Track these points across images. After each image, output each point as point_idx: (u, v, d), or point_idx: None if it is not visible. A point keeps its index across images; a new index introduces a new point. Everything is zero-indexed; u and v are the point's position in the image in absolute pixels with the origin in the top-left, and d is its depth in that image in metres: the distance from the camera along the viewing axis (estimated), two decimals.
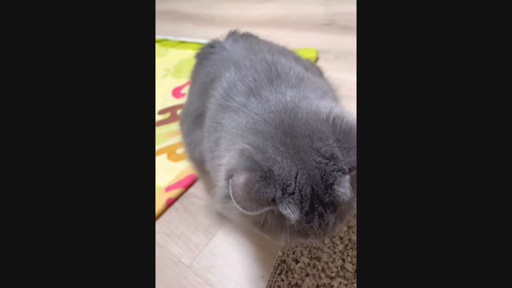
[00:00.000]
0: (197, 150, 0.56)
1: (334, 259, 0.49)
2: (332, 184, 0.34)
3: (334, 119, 0.38)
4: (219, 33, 0.72)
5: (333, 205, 0.35)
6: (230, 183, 0.34)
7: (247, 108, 0.41)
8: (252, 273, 0.63)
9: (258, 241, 0.68)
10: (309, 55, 1.15)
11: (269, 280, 0.51)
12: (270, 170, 0.34)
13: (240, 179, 0.33)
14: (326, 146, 0.36)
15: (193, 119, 0.57)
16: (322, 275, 0.49)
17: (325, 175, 0.35)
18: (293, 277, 0.50)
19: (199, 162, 0.59)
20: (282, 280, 0.51)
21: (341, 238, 0.51)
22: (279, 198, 0.34)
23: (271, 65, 0.46)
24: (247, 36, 0.67)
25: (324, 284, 0.48)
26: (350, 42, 1.25)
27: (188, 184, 0.79)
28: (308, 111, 0.39)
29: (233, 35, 0.66)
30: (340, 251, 0.50)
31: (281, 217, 0.35)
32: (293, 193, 0.34)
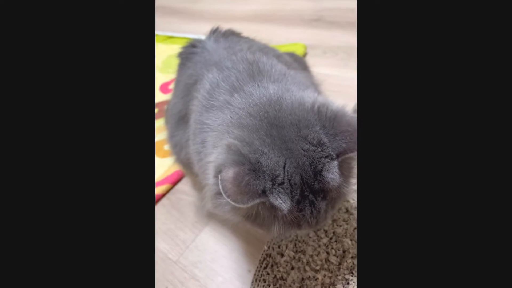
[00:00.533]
0: (183, 152, 0.56)
1: (318, 252, 0.50)
2: (321, 170, 0.35)
3: (318, 107, 0.38)
4: (207, 28, 0.71)
5: (323, 192, 0.36)
6: (220, 178, 0.33)
7: (231, 105, 0.42)
8: (239, 267, 0.63)
9: (245, 235, 0.69)
10: (297, 50, 1.15)
11: (255, 274, 0.52)
12: (258, 162, 0.34)
13: (229, 173, 0.33)
14: (313, 133, 0.36)
15: (176, 120, 0.58)
16: (307, 268, 0.50)
17: (313, 162, 0.35)
18: (279, 271, 0.51)
19: (185, 164, 0.59)
20: (268, 273, 0.51)
21: (325, 231, 0.52)
22: (269, 189, 0.34)
23: (253, 63, 0.46)
24: (229, 34, 0.67)
25: (309, 277, 0.49)
26: (338, 38, 1.25)
27: (175, 180, 0.78)
28: (292, 102, 0.39)
29: (215, 33, 0.66)
30: (325, 244, 0.50)
31: (273, 208, 0.35)
32: (282, 183, 0.34)
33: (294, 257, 0.51)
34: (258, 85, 0.43)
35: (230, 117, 0.40)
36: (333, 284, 0.47)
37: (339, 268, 0.48)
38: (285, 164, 0.35)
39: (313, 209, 0.36)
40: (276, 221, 0.36)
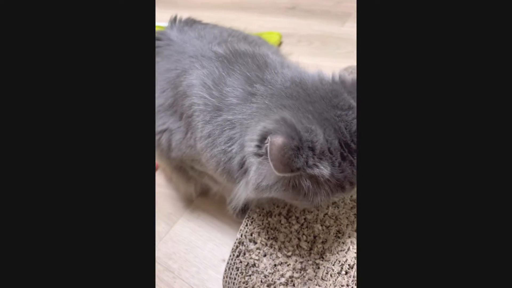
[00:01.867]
0: (164, 137, 0.57)
1: (290, 239, 0.51)
2: (356, 128, 0.40)
3: (340, 77, 0.44)
4: (183, 16, 0.69)
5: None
6: (269, 139, 0.36)
7: (256, 95, 0.44)
8: (213, 257, 0.64)
9: (219, 225, 0.69)
10: (272, 39, 1.14)
11: (228, 262, 0.52)
12: (307, 141, 0.37)
13: (279, 140, 0.35)
14: (343, 100, 0.41)
15: (165, 110, 0.57)
16: (279, 254, 0.50)
17: (348, 125, 0.40)
18: (251, 258, 0.51)
19: (165, 151, 0.58)
20: (241, 261, 0.51)
21: (297, 218, 0.52)
22: (308, 165, 0.37)
23: (253, 56, 0.50)
24: (192, 23, 0.67)
25: (281, 262, 0.49)
26: (313, 26, 1.25)
27: None
28: (313, 80, 0.44)
29: (176, 23, 0.66)
30: (296, 231, 0.51)
31: (313, 177, 0.38)
32: (322, 152, 0.38)
33: (266, 244, 0.51)
34: (273, 72, 0.46)
35: (265, 103, 0.43)
36: (304, 269, 0.48)
37: (310, 254, 0.49)
38: (324, 133, 0.39)
39: (353, 168, 0.40)
40: (320, 188, 0.39)
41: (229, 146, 0.45)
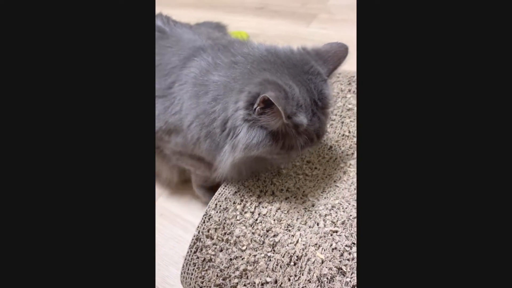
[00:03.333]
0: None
1: (245, 233, 0.53)
2: (322, 89, 0.49)
3: (304, 49, 0.54)
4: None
5: (324, 108, 0.50)
6: (260, 99, 0.43)
7: (239, 63, 0.51)
8: (175, 254, 0.65)
9: (182, 223, 0.70)
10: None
11: (185, 259, 0.53)
12: (289, 91, 0.45)
13: (271, 94, 0.42)
14: (311, 67, 0.50)
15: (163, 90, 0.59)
16: (234, 248, 0.52)
17: (316, 86, 0.49)
18: (208, 253, 0.53)
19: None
20: (198, 257, 0.53)
21: (252, 212, 0.54)
22: (294, 113, 0.44)
23: (231, 40, 0.59)
24: (169, 19, 0.70)
25: (236, 257, 0.52)
26: (280, 27, 1.28)
27: None
28: (284, 51, 0.52)
29: (161, 17, 0.68)
30: (251, 225, 0.53)
31: (295, 126, 0.46)
32: (301, 106, 0.46)
33: (222, 239, 0.53)
34: (251, 47, 0.54)
35: (247, 68, 0.49)
36: (257, 262, 0.50)
37: (262, 247, 0.51)
38: (299, 91, 0.46)
39: (320, 123, 0.50)
40: (298, 138, 0.47)
41: (213, 107, 0.50)
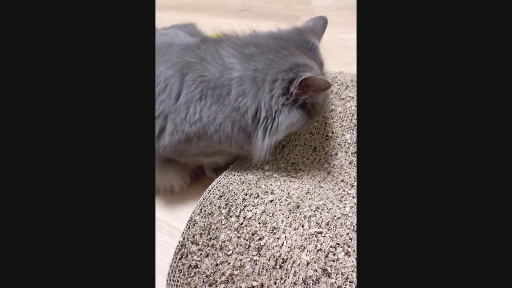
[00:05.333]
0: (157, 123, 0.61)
1: (230, 237, 0.52)
2: (322, 61, 0.60)
3: (298, 29, 0.60)
4: None
5: (324, 74, 0.61)
6: (297, 82, 0.49)
7: (254, 54, 0.53)
8: (160, 261, 0.64)
9: (168, 230, 0.69)
10: None
11: (171, 266, 0.53)
12: (313, 67, 0.53)
13: (308, 75, 0.48)
14: (312, 44, 0.57)
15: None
16: (220, 253, 0.52)
17: (318, 59, 0.58)
18: (193, 259, 0.52)
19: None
20: (183, 264, 0.52)
21: (237, 216, 0.54)
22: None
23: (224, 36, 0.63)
24: None
25: (222, 262, 0.51)
26: (263, 28, 1.28)
27: None
28: (287, 34, 0.58)
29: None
30: (236, 229, 0.53)
31: (321, 96, 0.54)
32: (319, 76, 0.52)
33: (208, 245, 0.53)
34: (254, 37, 0.59)
35: (270, 57, 0.53)
36: (243, 266, 0.50)
37: (248, 251, 0.51)
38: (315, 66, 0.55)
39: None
40: (320, 104, 0.56)
41: (240, 102, 0.52)
